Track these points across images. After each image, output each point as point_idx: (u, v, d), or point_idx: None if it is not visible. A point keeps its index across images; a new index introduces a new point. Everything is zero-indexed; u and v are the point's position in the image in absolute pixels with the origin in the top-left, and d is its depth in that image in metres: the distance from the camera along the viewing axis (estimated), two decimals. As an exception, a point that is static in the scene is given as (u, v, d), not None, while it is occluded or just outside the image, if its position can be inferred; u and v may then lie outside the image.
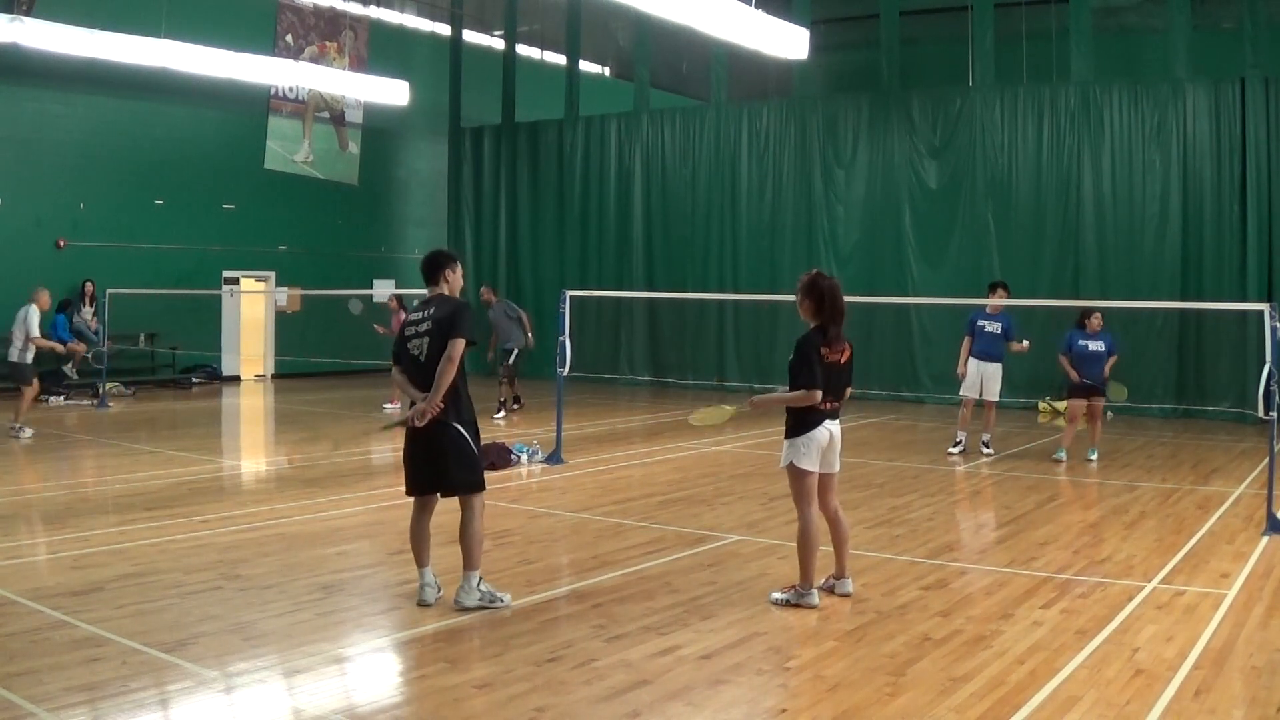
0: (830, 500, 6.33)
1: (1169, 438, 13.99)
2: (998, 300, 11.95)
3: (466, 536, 5.90)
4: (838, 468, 6.34)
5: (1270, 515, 8.21)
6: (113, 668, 4.91)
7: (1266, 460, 8.98)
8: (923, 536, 8.10)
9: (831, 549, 6.38)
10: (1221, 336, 15.51)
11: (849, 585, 6.39)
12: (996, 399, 12.20)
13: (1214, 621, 5.84)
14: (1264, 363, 8.29)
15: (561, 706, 4.61)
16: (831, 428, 6.18)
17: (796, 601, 6.13)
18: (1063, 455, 11.95)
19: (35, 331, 13.00)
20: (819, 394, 6.01)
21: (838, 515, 6.39)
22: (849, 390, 6.35)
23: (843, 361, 6.20)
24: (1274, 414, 8.13)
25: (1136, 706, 4.62)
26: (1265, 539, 7.91)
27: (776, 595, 6.24)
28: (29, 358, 13.01)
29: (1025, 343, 12.14)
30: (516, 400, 15.87)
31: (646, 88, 21.16)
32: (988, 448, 12.18)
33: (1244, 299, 14.92)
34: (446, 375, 5.80)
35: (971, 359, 12.18)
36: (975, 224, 17.46)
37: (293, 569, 6.82)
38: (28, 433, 12.52)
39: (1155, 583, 6.70)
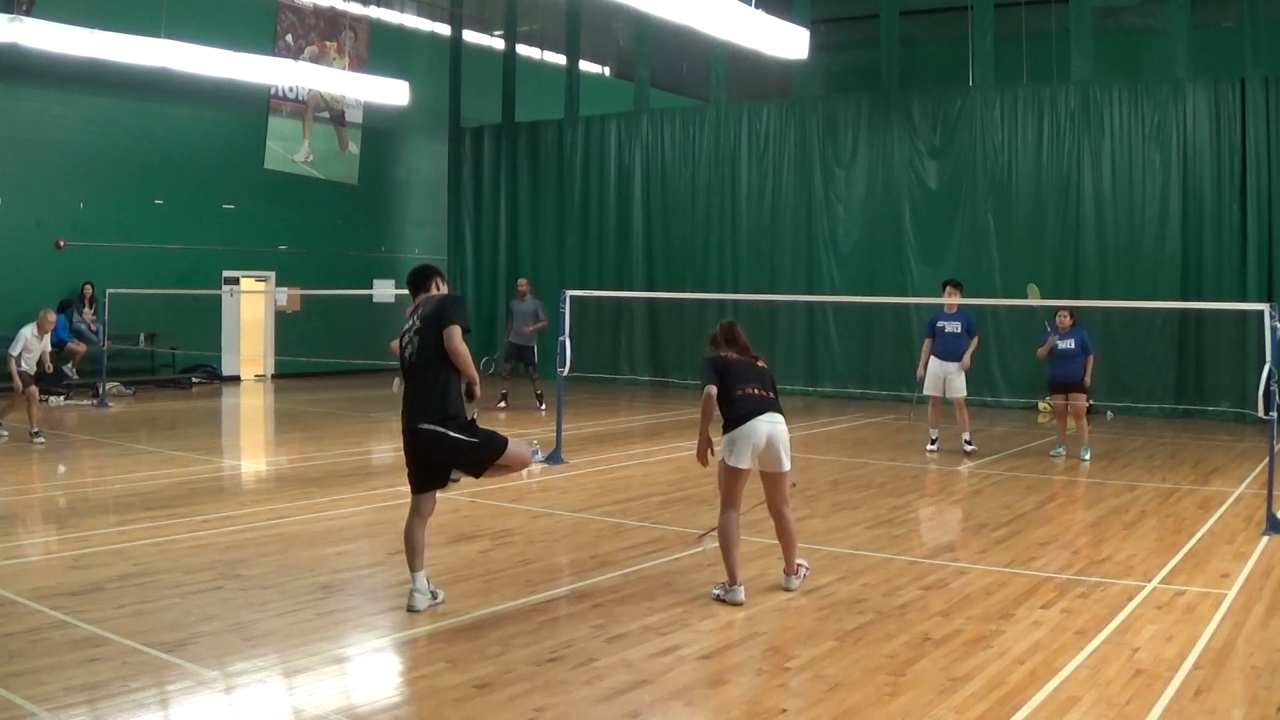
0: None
1: (1169, 438, 13.98)
2: (954, 299, 11.91)
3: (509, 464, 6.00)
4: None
5: (1270, 515, 8.21)
6: (113, 668, 4.91)
7: (1266, 460, 8.97)
8: (923, 536, 8.11)
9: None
10: (1221, 336, 15.49)
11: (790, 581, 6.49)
12: (963, 394, 12.10)
13: (1214, 621, 5.84)
14: (1264, 363, 8.30)
15: (561, 706, 4.61)
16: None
17: (723, 597, 6.27)
18: (1060, 451, 12.09)
19: (15, 350, 12.37)
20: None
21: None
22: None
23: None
24: (1274, 414, 8.13)
25: (1136, 706, 4.62)
26: (1265, 539, 7.91)
27: (714, 591, 6.40)
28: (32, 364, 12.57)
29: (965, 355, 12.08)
30: (536, 399, 15.99)
31: (646, 88, 21.14)
32: (970, 445, 12.09)
33: (1244, 299, 14.89)
34: (463, 361, 5.73)
35: (933, 359, 12.16)
36: (975, 224, 17.45)
37: (292, 569, 6.81)
38: (41, 439, 12.16)
39: (1155, 583, 6.70)
